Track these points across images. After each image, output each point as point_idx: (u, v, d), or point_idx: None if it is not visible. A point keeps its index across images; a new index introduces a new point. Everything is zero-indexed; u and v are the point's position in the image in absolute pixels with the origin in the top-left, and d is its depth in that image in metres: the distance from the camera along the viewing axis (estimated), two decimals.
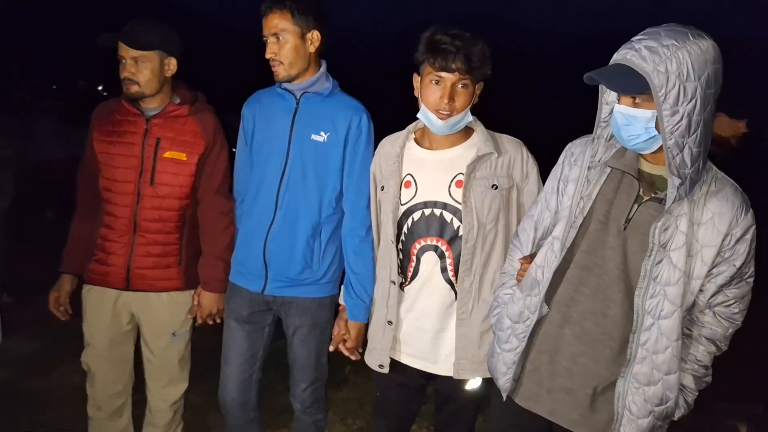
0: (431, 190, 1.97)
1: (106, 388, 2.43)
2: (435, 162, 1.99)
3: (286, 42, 2.11)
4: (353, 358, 2.15)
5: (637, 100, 1.43)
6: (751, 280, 1.58)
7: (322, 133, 2.18)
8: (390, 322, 2.03)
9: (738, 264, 1.51)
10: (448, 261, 1.94)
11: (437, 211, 1.95)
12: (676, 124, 1.36)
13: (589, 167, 1.61)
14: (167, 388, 2.47)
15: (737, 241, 1.49)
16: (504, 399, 1.74)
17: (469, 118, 1.97)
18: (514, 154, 1.98)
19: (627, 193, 1.56)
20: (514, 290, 1.77)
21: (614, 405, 1.59)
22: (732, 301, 1.58)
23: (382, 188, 2.05)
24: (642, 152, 1.52)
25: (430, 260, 1.97)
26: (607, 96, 1.54)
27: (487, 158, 1.94)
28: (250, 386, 2.36)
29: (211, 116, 2.39)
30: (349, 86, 2.31)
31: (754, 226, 1.52)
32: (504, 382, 1.73)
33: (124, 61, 2.23)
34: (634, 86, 1.39)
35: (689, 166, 1.41)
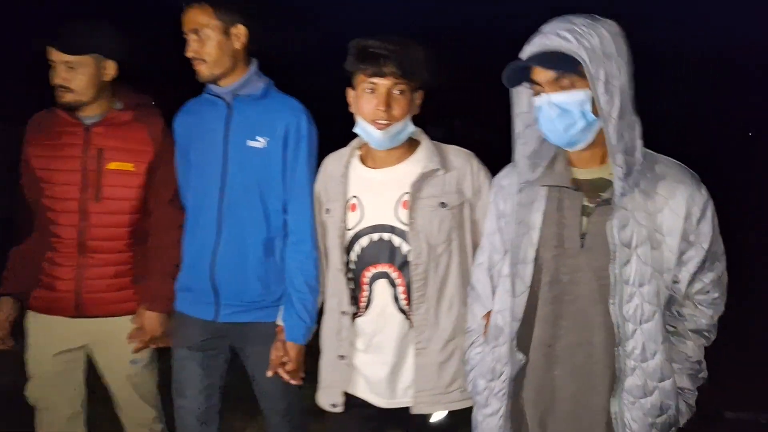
0: (377, 213, 1.82)
1: (59, 420, 2.22)
2: (380, 182, 1.84)
3: (207, 38, 1.95)
4: (294, 382, 1.99)
5: (564, 83, 1.35)
6: (724, 258, 1.50)
7: (260, 139, 2.01)
8: (342, 357, 1.86)
9: (706, 245, 1.43)
10: (400, 289, 1.80)
11: (385, 236, 1.80)
12: (612, 103, 1.31)
13: (519, 191, 1.51)
14: (135, 419, 2.28)
15: (699, 221, 1.42)
16: None
17: (411, 128, 1.83)
18: (463, 167, 1.83)
19: (571, 209, 1.46)
20: (483, 348, 1.63)
21: (614, 428, 1.45)
22: (709, 286, 1.49)
23: (327, 211, 1.90)
24: (575, 147, 1.42)
25: (382, 289, 1.82)
26: (518, 107, 1.48)
27: (433, 174, 1.79)
28: (211, 419, 2.16)
29: (159, 120, 2.20)
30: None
31: (711, 201, 1.44)
32: None
33: (55, 66, 2.05)
34: (562, 66, 1.32)
35: (632, 149, 1.36)
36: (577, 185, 1.46)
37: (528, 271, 1.48)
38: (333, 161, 1.94)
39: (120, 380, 2.24)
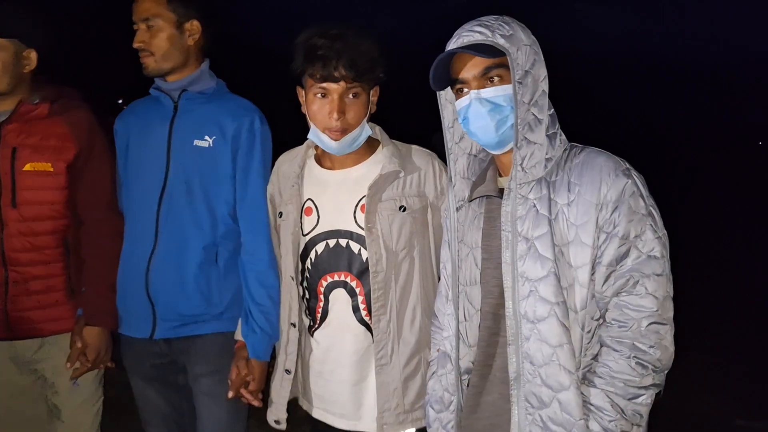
0: (334, 217, 1.69)
1: None
2: (337, 184, 1.71)
3: (159, 30, 1.81)
4: (256, 404, 1.81)
5: (495, 80, 1.33)
6: (657, 251, 1.29)
7: (207, 138, 1.85)
8: (288, 371, 1.74)
9: (620, 233, 1.27)
10: (360, 299, 1.66)
11: (342, 242, 1.67)
12: (526, 87, 1.30)
13: (457, 209, 1.47)
14: None
15: (614, 208, 1.27)
16: None
17: (368, 131, 1.69)
18: (425, 168, 1.71)
19: (490, 220, 1.41)
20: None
21: None
22: (632, 283, 1.27)
23: (281, 215, 1.76)
24: (505, 147, 1.37)
25: (340, 299, 1.68)
26: (446, 120, 1.47)
27: (393, 176, 1.67)
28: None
29: (84, 114, 1.96)
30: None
31: (633, 184, 1.30)
32: None
33: None
34: (485, 52, 1.30)
35: (542, 141, 1.32)
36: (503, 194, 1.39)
37: (476, 293, 1.42)
38: (287, 161, 1.81)
39: (60, 402, 1.99)
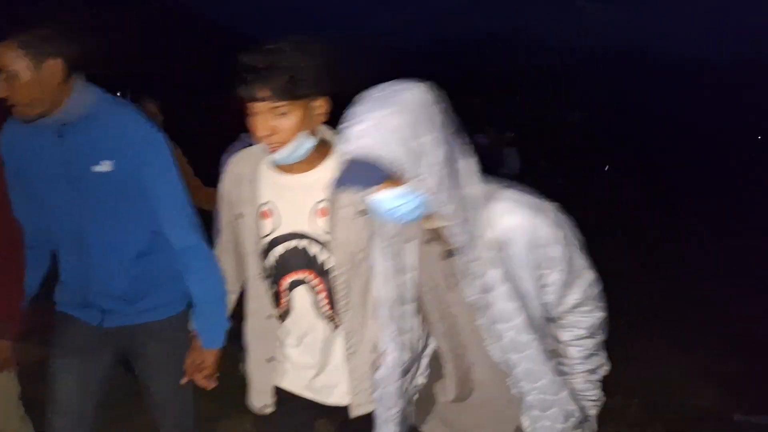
0: (293, 220, 1.72)
1: None
2: (294, 187, 1.72)
3: (16, 79, 1.68)
4: (210, 386, 1.94)
5: (387, 184, 1.33)
6: (588, 271, 1.52)
7: (106, 162, 1.80)
8: (271, 359, 1.81)
9: (560, 267, 1.43)
10: (321, 296, 1.75)
11: (301, 244, 1.72)
12: (428, 181, 1.29)
13: (390, 244, 1.53)
14: None
15: (546, 248, 1.41)
16: None
17: (311, 141, 1.66)
18: None
19: (434, 254, 1.49)
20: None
21: None
22: (579, 302, 1.52)
23: (240, 215, 1.77)
24: (419, 219, 1.41)
25: (302, 295, 1.76)
26: None
27: None
28: (87, 428, 1.99)
29: None
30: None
31: (558, 224, 1.43)
32: None
33: None
34: (378, 176, 1.28)
35: (459, 211, 1.34)
36: (435, 233, 1.47)
37: (409, 311, 1.55)
38: (241, 162, 1.81)
39: None
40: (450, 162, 1.33)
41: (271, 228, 1.74)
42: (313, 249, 1.72)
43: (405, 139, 1.26)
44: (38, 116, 1.75)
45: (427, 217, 1.43)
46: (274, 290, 1.78)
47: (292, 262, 1.73)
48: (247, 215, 1.75)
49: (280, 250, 1.73)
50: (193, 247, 1.88)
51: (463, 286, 1.43)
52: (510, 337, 1.43)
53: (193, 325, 1.92)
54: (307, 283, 1.74)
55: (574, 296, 1.50)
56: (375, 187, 1.33)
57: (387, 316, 1.57)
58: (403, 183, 1.31)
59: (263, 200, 1.74)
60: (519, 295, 1.41)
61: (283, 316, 1.79)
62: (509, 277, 1.40)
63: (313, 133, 1.66)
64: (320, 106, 1.65)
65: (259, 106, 1.57)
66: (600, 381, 1.59)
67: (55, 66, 1.71)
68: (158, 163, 1.84)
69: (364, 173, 1.28)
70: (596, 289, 1.54)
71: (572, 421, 1.53)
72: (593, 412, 1.58)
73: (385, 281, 1.55)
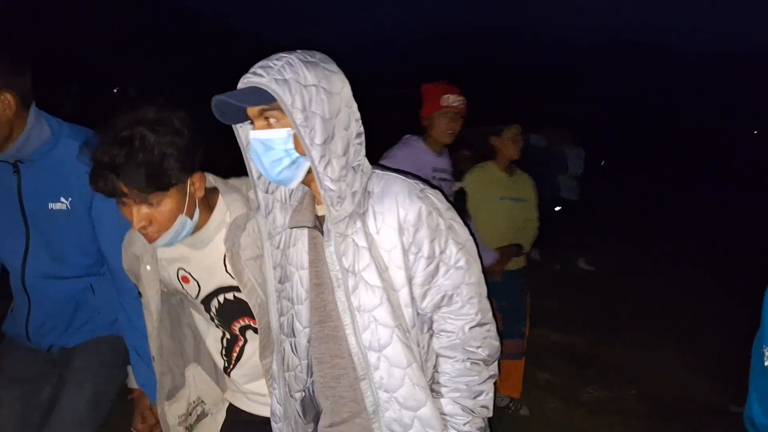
0: (211, 279, 1.63)
1: None
2: (195, 248, 1.63)
3: None
4: None
5: (271, 121, 1.31)
6: (462, 260, 1.38)
7: (63, 199, 1.75)
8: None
9: (426, 251, 1.34)
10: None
11: (229, 296, 1.64)
12: (315, 131, 1.26)
13: (276, 234, 1.47)
14: None
15: (415, 230, 1.33)
16: None
17: (192, 222, 1.56)
18: None
19: (323, 246, 1.38)
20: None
21: None
22: (448, 297, 1.38)
23: (145, 294, 1.69)
24: (289, 184, 1.36)
25: (256, 338, 1.67)
26: (245, 151, 1.41)
27: (243, 219, 1.59)
28: None
29: None
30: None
31: (429, 204, 1.36)
32: None
33: None
34: (256, 99, 1.27)
35: (341, 178, 1.30)
36: (321, 222, 1.40)
37: (304, 311, 1.43)
38: (136, 239, 1.66)
39: None
40: (338, 127, 1.30)
41: (197, 290, 1.65)
42: (242, 295, 1.62)
43: (301, 82, 1.25)
44: None
45: (312, 187, 1.38)
46: (229, 335, 1.71)
47: (231, 313, 1.66)
48: (150, 299, 1.66)
49: (215, 303, 1.66)
50: (127, 290, 1.78)
51: (329, 261, 1.35)
52: (371, 330, 1.34)
53: (136, 382, 1.84)
54: (254, 328, 1.66)
55: (440, 288, 1.37)
56: (258, 121, 1.31)
57: (274, 330, 1.52)
58: (289, 126, 1.28)
59: (174, 269, 1.65)
60: (385, 283, 1.33)
61: (230, 367, 1.74)
62: (377, 262, 1.34)
63: (192, 213, 1.54)
64: (195, 182, 1.54)
65: (125, 201, 1.45)
66: (479, 414, 1.39)
67: (8, 100, 1.65)
68: (110, 202, 1.69)
69: (250, 96, 1.27)
70: (471, 289, 1.39)
71: None
72: None
73: (271, 288, 1.49)
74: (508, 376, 3.36)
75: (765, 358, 1.16)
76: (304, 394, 1.48)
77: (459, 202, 2.97)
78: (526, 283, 3.41)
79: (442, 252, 1.36)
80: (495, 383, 1.43)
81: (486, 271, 2.59)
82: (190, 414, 1.81)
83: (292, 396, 1.50)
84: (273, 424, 1.58)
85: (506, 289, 3.21)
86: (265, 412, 1.68)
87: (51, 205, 1.75)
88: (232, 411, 1.80)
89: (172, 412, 1.77)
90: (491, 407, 1.41)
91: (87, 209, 1.76)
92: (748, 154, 21.15)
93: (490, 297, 1.45)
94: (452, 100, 2.83)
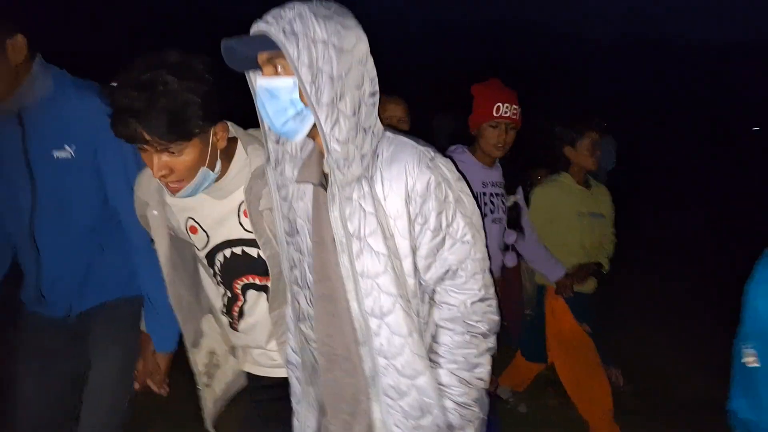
0: (221, 231, 1.62)
1: None
2: (210, 197, 1.60)
3: None
4: (162, 392, 1.86)
5: (278, 69, 1.28)
6: (469, 235, 1.36)
7: (67, 147, 1.73)
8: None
9: (433, 223, 1.32)
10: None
11: (237, 250, 1.62)
12: (321, 90, 1.21)
13: (279, 187, 1.45)
14: None
15: (423, 200, 1.31)
16: None
17: (213, 174, 1.53)
18: None
19: (325, 204, 1.36)
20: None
21: None
22: (453, 270, 1.36)
23: (152, 242, 1.70)
24: (294, 137, 1.33)
25: (256, 298, 1.68)
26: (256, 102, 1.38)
27: (262, 170, 1.53)
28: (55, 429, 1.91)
29: None
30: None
31: (439, 174, 1.32)
32: None
33: None
34: (263, 46, 1.24)
35: (349, 140, 1.26)
36: (327, 179, 1.36)
37: (307, 264, 1.43)
38: (142, 185, 1.65)
39: None
40: (348, 85, 1.25)
41: (204, 242, 1.64)
42: (252, 251, 1.62)
43: (310, 36, 1.20)
44: (3, 99, 1.68)
45: (317, 145, 1.36)
46: (229, 293, 1.70)
47: (236, 269, 1.65)
48: (159, 242, 1.65)
49: (220, 258, 1.64)
50: (144, 245, 1.77)
51: (333, 225, 1.33)
52: (373, 297, 1.32)
53: (145, 326, 1.85)
54: (258, 286, 1.66)
55: (445, 261, 1.35)
56: (266, 68, 1.27)
57: (287, 280, 1.51)
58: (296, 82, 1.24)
59: (183, 217, 1.64)
60: (390, 251, 1.31)
61: (234, 322, 1.73)
62: (383, 229, 1.31)
63: (213, 165, 1.52)
64: (218, 132, 1.51)
65: (146, 148, 1.41)
66: (476, 388, 1.39)
67: (19, 44, 1.65)
68: (115, 149, 1.71)
69: (258, 43, 1.23)
70: (475, 264, 1.38)
71: (429, 420, 1.35)
72: (455, 420, 1.36)
73: (282, 239, 1.47)
74: (521, 374, 3.33)
75: (744, 356, 1.17)
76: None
77: (513, 216, 2.66)
78: (595, 311, 3.10)
79: (449, 225, 1.34)
80: (493, 357, 1.44)
81: (557, 284, 2.61)
82: (211, 363, 1.83)
83: (308, 343, 1.49)
84: (290, 372, 1.58)
85: (572, 308, 2.94)
86: (278, 374, 1.70)
87: (56, 153, 1.73)
88: (252, 378, 1.82)
89: (197, 360, 1.79)
90: (487, 379, 1.42)
91: (92, 157, 1.74)
92: (748, 150, 21.02)
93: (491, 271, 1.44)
94: (505, 109, 2.45)
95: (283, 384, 1.63)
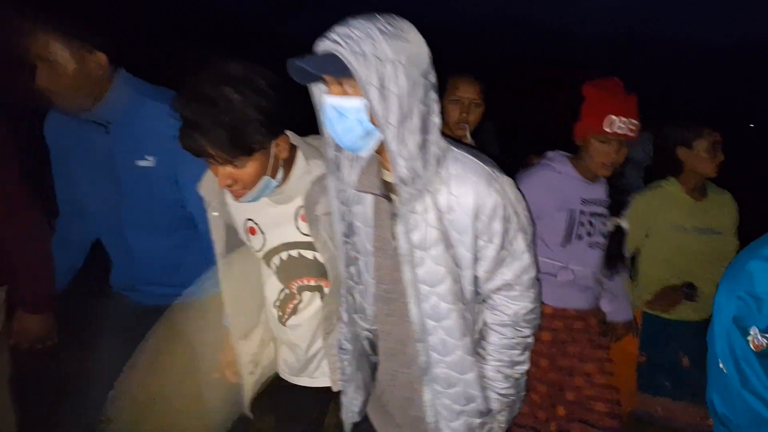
0: (278, 234, 1.67)
1: None
2: (271, 199, 1.65)
3: (59, 69, 1.65)
4: (236, 381, 1.92)
5: (346, 88, 1.29)
6: (526, 256, 1.46)
7: (149, 158, 1.80)
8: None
9: (498, 242, 1.40)
10: (328, 289, 1.74)
11: (294, 253, 1.68)
12: (389, 109, 1.23)
13: (337, 191, 1.49)
14: None
15: (489, 220, 1.37)
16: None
17: (275, 181, 1.59)
18: None
19: (386, 212, 1.44)
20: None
21: (426, 414, 1.53)
22: (509, 283, 1.47)
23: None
24: (360, 152, 1.37)
25: (310, 298, 1.75)
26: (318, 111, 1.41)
27: (321, 181, 1.59)
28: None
29: None
30: None
31: (503, 195, 1.38)
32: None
33: None
34: (333, 69, 1.25)
35: (416, 156, 1.28)
36: (389, 189, 1.42)
37: (372, 263, 1.50)
38: (209, 181, 1.68)
39: None
40: (418, 105, 1.27)
41: (261, 243, 1.70)
42: (308, 254, 1.67)
43: (378, 56, 1.21)
44: (78, 108, 1.74)
45: (383, 157, 1.39)
46: (286, 290, 1.76)
47: (293, 271, 1.70)
48: (239, 230, 1.73)
49: (276, 260, 1.70)
50: None
51: (398, 237, 1.38)
52: (432, 303, 1.41)
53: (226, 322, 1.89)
54: (314, 288, 1.72)
55: (503, 276, 1.45)
56: (333, 86, 1.30)
57: (343, 276, 1.58)
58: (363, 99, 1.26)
59: (245, 217, 1.70)
60: (450, 262, 1.38)
61: (284, 317, 1.78)
62: (445, 240, 1.37)
63: (275, 173, 1.57)
64: (280, 143, 1.54)
65: (211, 159, 1.46)
66: (517, 380, 1.54)
67: (100, 61, 1.72)
68: (192, 161, 1.72)
69: (327, 64, 1.25)
70: (530, 279, 1.48)
71: (473, 406, 1.50)
72: (496, 406, 1.52)
73: (340, 239, 1.53)
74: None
75: (718, 360, 1.17)
76: (370, 333, 1.61)
77: (615, 245, 2.20)
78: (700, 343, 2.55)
79: (510, 243, 1.43)
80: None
81: (615, 329, 2.40)
82: (260, 352, 1.88)
83: (365, 330, 1.61)
84: (342, 357, 1.67)
85: (670, 338, 2.51)
86: (296, 381, 1.82)
87: (138, 162, 1.80)
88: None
89: (245, 350, 1.84)
90: (525, 372, 1.56)
91: (171, 167, 1.80)
92: (745, 147, 20.93)
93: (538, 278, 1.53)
94: (621, 124, 1.98)
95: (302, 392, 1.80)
